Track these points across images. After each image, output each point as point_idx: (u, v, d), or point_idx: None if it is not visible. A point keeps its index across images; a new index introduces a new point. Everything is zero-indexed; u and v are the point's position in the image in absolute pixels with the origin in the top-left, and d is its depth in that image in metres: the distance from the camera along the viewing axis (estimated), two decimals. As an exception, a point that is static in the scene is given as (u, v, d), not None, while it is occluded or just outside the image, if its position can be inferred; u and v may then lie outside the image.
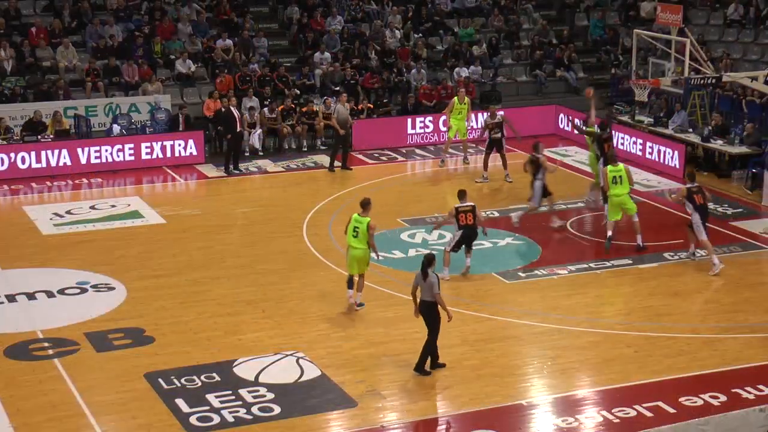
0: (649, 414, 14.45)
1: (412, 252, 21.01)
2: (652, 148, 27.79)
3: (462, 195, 19.85)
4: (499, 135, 26.14)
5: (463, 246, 19.69)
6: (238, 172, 27.03)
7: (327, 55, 32.18)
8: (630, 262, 20.53)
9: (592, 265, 20.29)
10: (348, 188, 25.32)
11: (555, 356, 16.41)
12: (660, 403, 14.70)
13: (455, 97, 27.79)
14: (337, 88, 31.03)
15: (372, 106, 30.75)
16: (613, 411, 14.55)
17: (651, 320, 17.76)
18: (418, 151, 29.49)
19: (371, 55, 32.76)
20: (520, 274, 19.88)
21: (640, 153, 28.07)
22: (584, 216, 23.55)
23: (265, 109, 29.36)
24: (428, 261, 15.61)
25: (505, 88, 33.51)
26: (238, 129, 27.09)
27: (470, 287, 19.22)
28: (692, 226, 20.17)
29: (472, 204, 19.74)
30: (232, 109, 27.11)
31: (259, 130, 28.69)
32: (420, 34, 34.40)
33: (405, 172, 27.75)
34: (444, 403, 15.09)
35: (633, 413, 14.49)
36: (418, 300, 15.65)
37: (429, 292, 15.46)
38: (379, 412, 14.66)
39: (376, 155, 28.86)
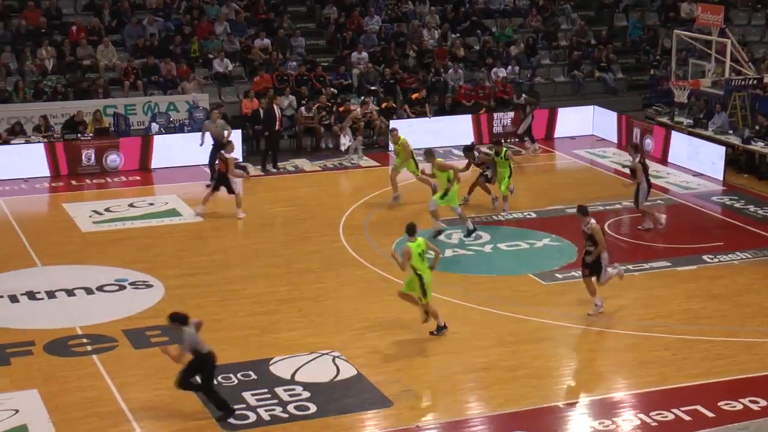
0: (687, 418, 14.33)
1: (448, 252, 20.97)
2: (691, 149, 27.58)
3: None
4: (488, 173, 24.13)
5: None
6: (275, 170, 27.11)
7: (364, 54, 32.21)
8: (668, 264, 20.39)
9: (630, 266, 20.15)
10: (385, 188, 25.30)
11: (592, 358, 16.33)
12: (699, 407, 14.58)
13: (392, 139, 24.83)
14: (373, 88, 31.08)
15: (417, 96, 30.71)
16: (650, 414, 14.45)
17: (689, 323, 17.62)
18: (455, 151, 29.42)
19: (409, 55, 32.74)
20: (557, 275, 19.79)
21: (679, 154, 27.86)
22: (622, 218, 23.41)
23: (302, 109, 29.42)
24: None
25: (543, 88, 33.37)
26: (277, 127, 27.17)
27: (507, 288, 19.16)
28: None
29: None
30: (274, 107, 27.18)
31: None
32: (457, 34, 34.35)
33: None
34: (479, 404, 15.05)
35: (671, 417, 14.38)
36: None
37: None
38: (415, 411, 14.65)
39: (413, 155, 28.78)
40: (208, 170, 25.65)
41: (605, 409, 14.72)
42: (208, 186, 23.86)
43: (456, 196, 21.89)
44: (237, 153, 27.56)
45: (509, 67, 32.99)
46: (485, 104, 31.42)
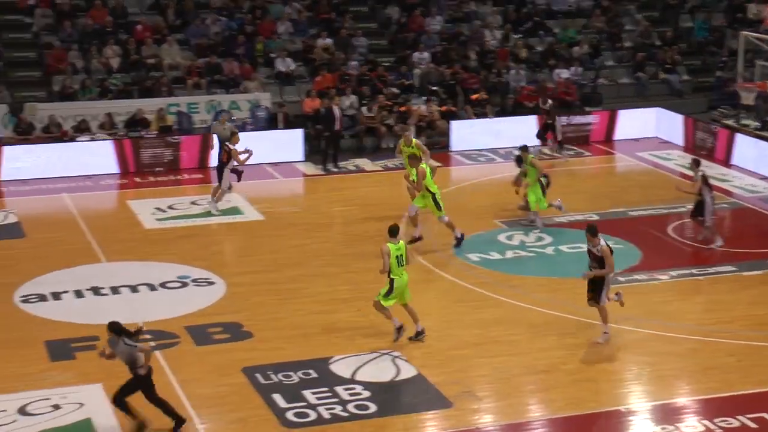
0: (753, 425, 14.10)
1: (509, 254, 20.89)
2: (758, 152, 27.20)
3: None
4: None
5: None
6: (336, 170, 27.19)
7: (426, 54, 32.18)
8: (734, 269, 20.11)
9: (694, 270, 19.92)
10: (446, 188, 25.23)
11: (654, 362, 16.15)
12: (766, 415, 14.34)
13: (401, 140, 22.83)
14: (435, 88, 31.05)
15: (478, 96, 30.64)
16: (714, 421, 14.24)
17: (754, 329, 17.35)
18: (516, 152, 29.25)
19: (470, 56, 32.66)
20: (620, 278, 19.58)
21: (745, 157, 27.49)
22: (685, 221, 23.13)
23: (364, 108, 29.48)
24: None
25: (606, 90, 33.10)
26: (337, 127, 27.25)
27: (568, 290, 19.01)
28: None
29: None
30: (333, 107, 27.27)
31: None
32: (520, 35, 34.19)
33: (503, 173, 27.57)
34: (539, 406, 14.96)
35: (736, 424, 14.16)
36: None
37: None
38: (475, 413, 14.60)
39: (474, 155, 28.76)
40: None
41: (667, 415, 14.55)
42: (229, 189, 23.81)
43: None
44: (299, 153, 27.80)
45: (572, 69, 32.76)
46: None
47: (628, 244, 21.40)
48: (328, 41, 32.09)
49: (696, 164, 21.62)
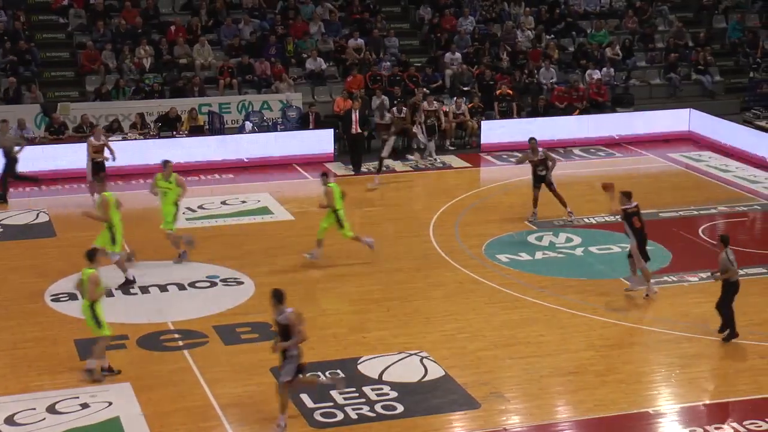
0: (783, 428, 14.01)
1: (539, 255, 20.82)
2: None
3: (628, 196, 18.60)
4: (543, 172, 22.75)
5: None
6: (356, 171, 27.04)
7: (458, 55, 32.13)
8: (765, 271, 19.94)
9: (724, 272, 19.75)
10: (475, 189, 25.25)
11: (683, 364, 16.04)
12: (795, 418, 14.25)
13: (159, 174, 20.52)
14: (466, 88, 30.99)
15: (511, 92, 30.56)
16: (744, 423, 14.14)
17: (786, 331, 17.22)
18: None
19: (502, 56, 32.58)
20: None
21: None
22: (717, 222, 22.98)
23: (394, 109, 29.45)
24: None
25: (638, 90, 32.93)
26: (354, 131, 27.04)
27: (597, 292, 18.93)
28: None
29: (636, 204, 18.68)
30: (352, 110, 27.18)
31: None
32: (552, 36, 34.07)
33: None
34: (568, 408, 14.90)
35: (766, 426, 14.04)
36: None
37: None
38: (503, 414, 14.56)
39: (505, 156, 28.68)
40: None
41: (696, 417, 14.46)
42: None
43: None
44: (329, 153, 27.78)
45: (604, 69, 32.60)
46: (579, 106, 31.11)
47: (659, 245, 21.26)
48: (360, 41, 32.11)
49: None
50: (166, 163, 20.37)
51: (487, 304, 18.29)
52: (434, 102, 29.12)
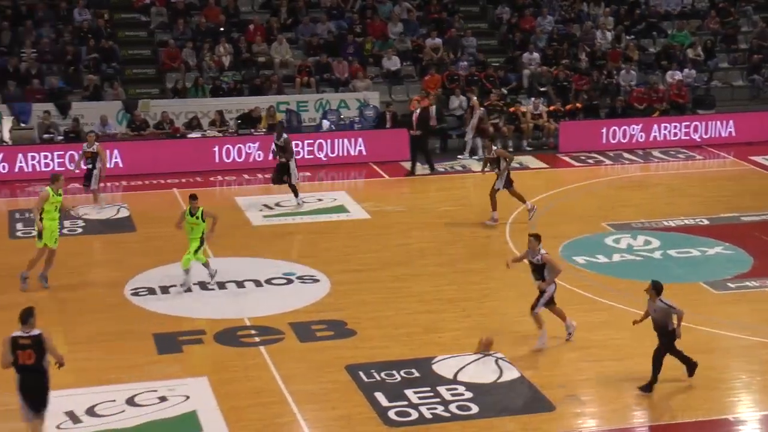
0: None
1: (616, 257, 20.60)
2: None
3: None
4: (495, 172, 22.61)
5: None
6: (411, 172, 26.93)
7: (536, 55, 31.94)
8: None
9: (807, 278, 19.39)
10: (553, 190, 25.07)
11: (765, 371, 15.75)
12: None
13: (48, 188, 19.01)
14: (544, 89, 30.79)
15: (581, 105, 30.34)
16: (826, 432, 13.86)
17: None
18: (625, 155, 28.91)
19: (581, 57, 32.31)
20: (730, 284, 19.18)
21: None
22: (800, 227, 22.55)
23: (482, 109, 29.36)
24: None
25: (720, 92, 32.43)
26: (414, 131, 26.89)
27: (675, 296, 18.56)
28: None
29: None
30: (414, 110, 27.07)
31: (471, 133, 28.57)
32: (632, 36, 33.69)
33: (611, 176, 27.25)
34: (644, 413, 14.71)
35: None
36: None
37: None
38: (578, 417, 14.43)
39: (583, 158, 28.45)
40: None
41: (777, 425, 14.20)
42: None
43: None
44: (406, 151, 27.74)
45: (685, 70, 32.15)
46: (659, 107, 30.74)
47: (740, 250, 20.91)
48: (438, 41, 32.07)
49: None
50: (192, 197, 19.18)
51: (563, 306, 18.07)
52: (540, 107, 29.15)
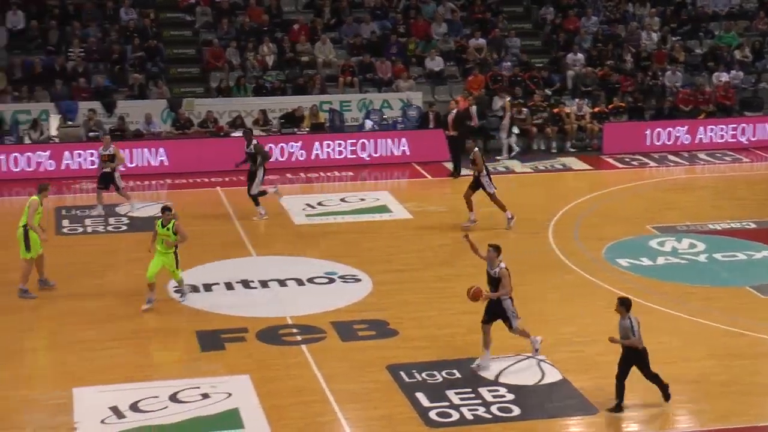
0: None
1: (660, 260, 20.43)
2: None
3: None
4: (472, 172, 22.50)
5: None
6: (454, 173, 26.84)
7: (580, 56, 31.76)
8: None
9: None
10: (596, 192, 24.91)
11: (812, 378, 15.55)
12: None
13: (36, 197, 18.65)
14: (589, 89, 30.61)
15: (624, 105, 30.14)
16: None
17: None
18: (671, 157, 28.67)
19: (626, 58, 32.08)
20: (776, 290, 18.98)
21: None
22: None
23: (514, 110, 29.27)
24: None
25: (768, 94, 32.12)
26: (449, 131, 26.78)
27: (721, 300, 18.49)
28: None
29: None
30: (451, 110, 26.99)
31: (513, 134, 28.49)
32: (678, 37, 33.40)
33: (656, 178, 27.03)
34: (688, 417, 14.56)
35: None
36: None
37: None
38: (621, 421, 14.31)
39: (627, 159, 28.25)
40: None
41: (825, 432, 13.99)
42: None
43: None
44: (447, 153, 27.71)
45: (732, 72, 31.82)
46: (705, 109, 30.45)
47: (787, 253, 20.71)
48: (481, 41, 31.97)
49: None
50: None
51: (606, 309, 17.89)
52: (584, 108, 29.10)
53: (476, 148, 22.21)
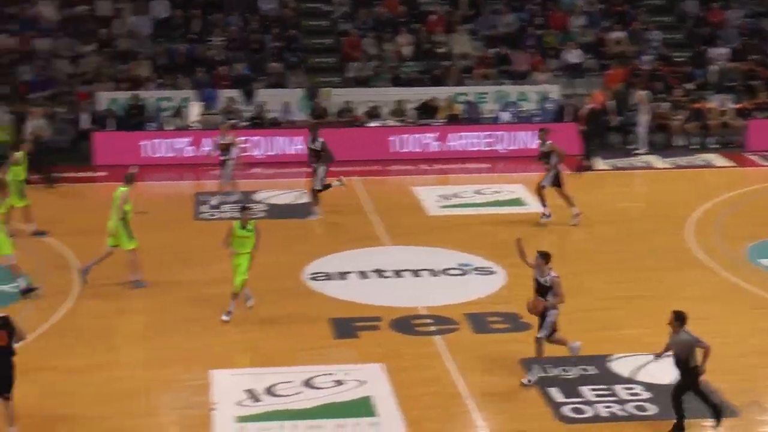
0: None
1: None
2: None
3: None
4: (545, 166, 21.88)
5: None
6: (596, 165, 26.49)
7: (723, 50, 30.93)
8: None
9: None
10: (739, 189, 24.24)
11: None
12: None
13: (125, 188, 18.42)
14: (733, 85, 29.82)
15: None
16: None
17: None
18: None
19: (772, 52, 31.22)
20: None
21: None
22: None
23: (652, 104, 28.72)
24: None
25: None
26: (581, 125, 26.40)
27: None
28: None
29: None
30: (608, 104, 26.63)
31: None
32: (828, 31, 32.31)
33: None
34: (835, 424, 14.07)
35: None
36: None
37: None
38: (762, 425, 13.92)
39: (773, 157, 27.50)
40: None
41: None
42: None
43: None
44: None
45: None
46: None
47: None
48: (621, 34, 31.42)
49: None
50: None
51: (750, 310, 17.50)
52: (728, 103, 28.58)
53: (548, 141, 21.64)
